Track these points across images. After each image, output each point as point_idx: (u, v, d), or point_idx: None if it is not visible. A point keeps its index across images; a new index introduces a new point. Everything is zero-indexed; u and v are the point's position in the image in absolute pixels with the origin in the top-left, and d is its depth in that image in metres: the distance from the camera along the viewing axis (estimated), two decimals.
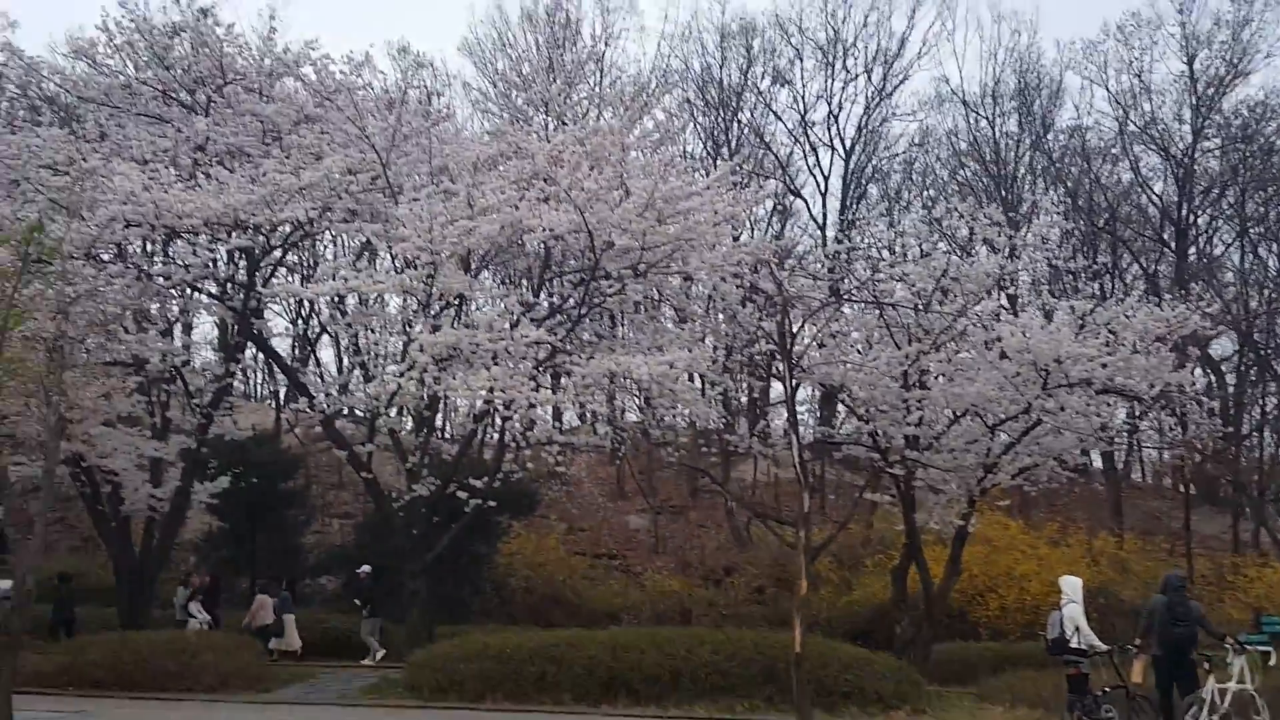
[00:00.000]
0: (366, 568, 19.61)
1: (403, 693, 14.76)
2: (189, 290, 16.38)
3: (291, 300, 22.35)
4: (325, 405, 17.59)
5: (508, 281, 16.42)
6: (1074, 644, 10.91)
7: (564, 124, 19.68)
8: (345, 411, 19.21)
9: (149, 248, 17.48)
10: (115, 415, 17.54)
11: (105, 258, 15.47)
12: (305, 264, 20.92)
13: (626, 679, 13.82)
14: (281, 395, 28.37)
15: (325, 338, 27.66)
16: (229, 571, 23.63)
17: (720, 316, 16.42)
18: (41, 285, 10.29)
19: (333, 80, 16.82)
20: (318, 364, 26.22)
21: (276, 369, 24.29)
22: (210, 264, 16.06)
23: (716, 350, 15.33)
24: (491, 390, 12.93)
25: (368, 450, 18.22)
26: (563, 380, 14.05)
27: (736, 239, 15.90)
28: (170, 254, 15.29)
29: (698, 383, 16.99)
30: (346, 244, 23.66)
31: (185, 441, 18.69)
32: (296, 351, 27.41)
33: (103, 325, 14.70)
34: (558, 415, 20.96)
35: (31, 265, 9.35)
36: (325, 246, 22.58)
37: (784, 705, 13.07)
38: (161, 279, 15.42)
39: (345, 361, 25.71)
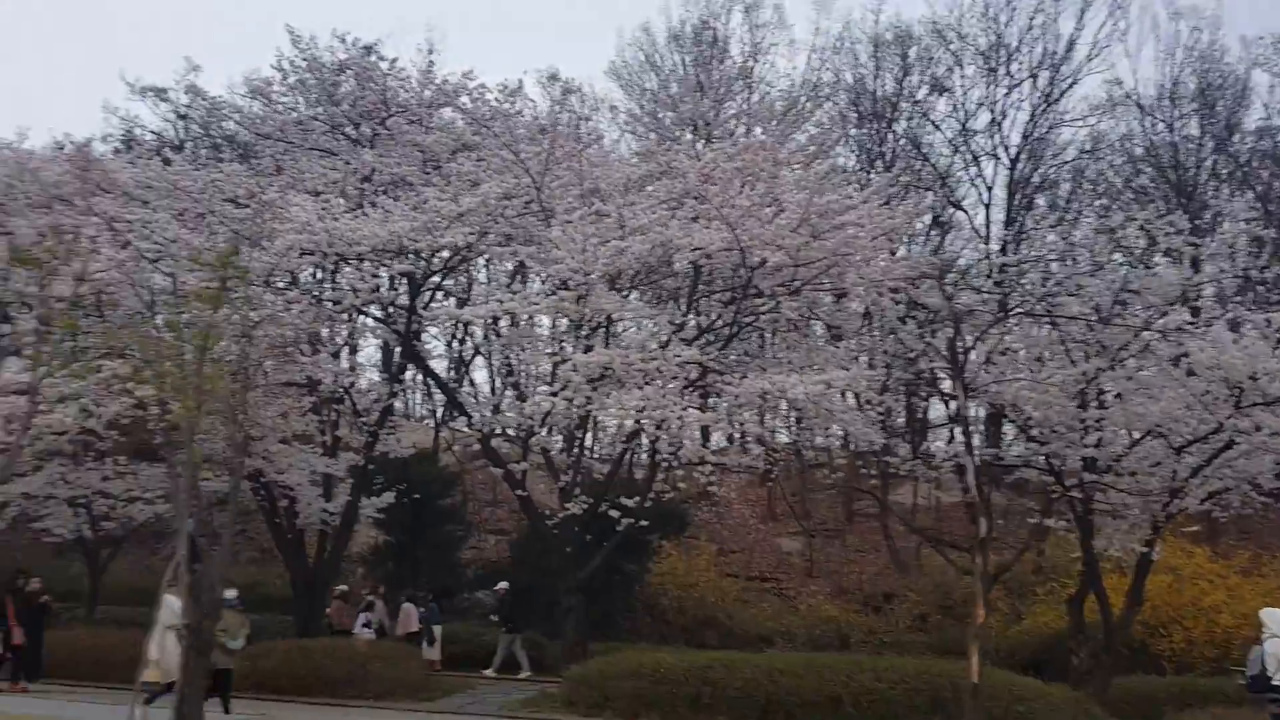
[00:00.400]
0: (504, 584, 20.10)
1: (560, 707, 14.96)
2: (357, 314, 17.13)
3: (448, 323, 23.10)
4: (482, 424, 18.03)
5: (657, 301, 16.44)
6: (1276, 681, 10.06)
7: (711, 141, 19.62)
8: (499, 431, 19.68)
9: (318, 275, 18.39)
10: (291, 433, 18.50)
11: (281, 285, 16.33)
12: (461, 287, 21.59)
13: (784, 703, 13.63)
14: (439, 415, 29.31)
15: (479, 359, 28.58)
16: (393, 584, 24.61)
17: (877, 334, 15.94)
18: (228, 310, 10.87)
19: (488, 108, 17.33)
20: (472, 384, 27.00)
21: (435, 389, 25.12)
22: (376, 289, 16.73)
23: (874, 368, 14.86)
24: (643, 410, 12.92)
25: (522, 469, 18.58)
26: (711, 400, 13.88)
27: (894, 253, 15.43)
28: (339, 280, 16.01)
29: (851, 401, 16.57)
30: (497, 268, 24.25)
31: (354, 459, 19.58)
32: (453, 372, 28.33)
33: (281, 348, 15.50)
34: (706, 436, 20.79)
35: (224, 291, 9.89)
36: (479, 270, 23.21)
37: None
38: (332, 304, 16.15)
39: (498, 382, 26.43)
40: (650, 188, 15.29)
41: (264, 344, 14.97)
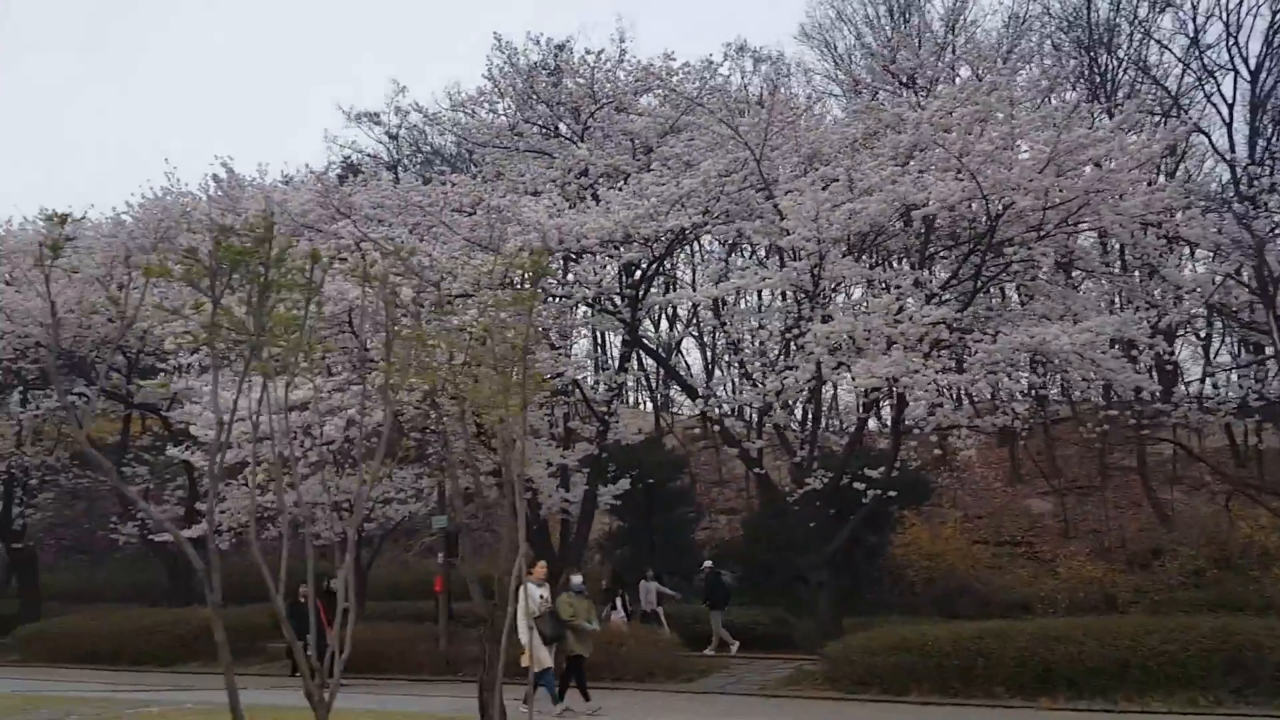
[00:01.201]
0: (709, 563, 20.11)
1: (822, 684, 14.70)
2: (588, 306, 17.44)
3: (660, 307, 23.21)
4: (713, 406, 18.00)
5: (884, 263, 15.84)
6: None
7: (919, 89, 18.69)
8: (730, 410, 19.61)
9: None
10: (529, 428, 19.14)
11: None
12: (677, 270, 21.67)
13: (1064, 672, 12.86)
14: (658, 399, 29.58)
15: (690, 340, 28.68)
16: (629, 568, 25.15)
17: (1137, 274, 14.74)
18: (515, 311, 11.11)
19: (694, 86, 17.19)
20: (687, 367, 27.11)
21: (651, 375, 25.37)
22: (602, 281, 16.96)
23: (1139, 311, 13.73)
24: (895, 378, 12.43)
25: (757, 446, 18.43)
26: (966, 360, 13.19)
27: (1150, 184, 14.17)
28: (570, 274, 16.32)
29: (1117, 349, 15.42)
30: (710, 248, 24.10)
31: (588, 449, 20.03)
32: (668, 356, 28.53)
33: (524, 347, 15.92)
34: (961, 399, 19.94)
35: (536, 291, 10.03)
36: (694, 252, 23.21)
37: (1256, 698, 11.55)
38: (563, 299, 16.49)
39: (723, 361, 26.43)
40: (873, 146, 14.69)
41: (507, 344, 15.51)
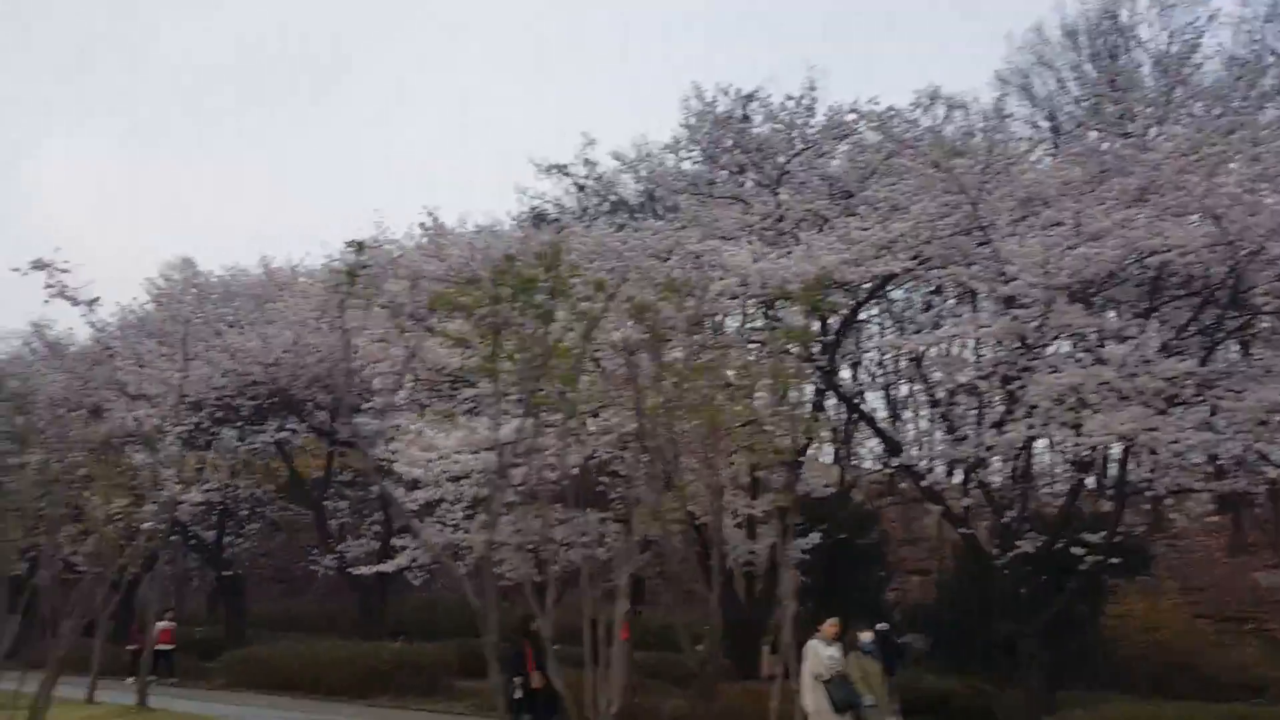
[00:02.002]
0: (882, 625, 19.08)
1: None
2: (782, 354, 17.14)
3: (850, 356, 22.58)
4: (916, 460, 17.29)
5: (1119, 311, 14.88)
6: None
7: (1143, 133, 17.63)
8: (930, 466, 18.80)
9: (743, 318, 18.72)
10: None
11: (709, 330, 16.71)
12: (883, 318, 21.11)
13: None
14: (845, 451, 28.80)
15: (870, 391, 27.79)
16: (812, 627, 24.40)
17: None
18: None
19: (897, 130, 16.80)
20: (894, 417, 26.30)
21: (842, 426, 24.72)
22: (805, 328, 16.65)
23: None
24: (1133, 436, 11.54)
25: (963, 505, 17.54)
26: (1212, 417, 12.14)
27: None
28: (764, 321, 16.12)
29: None
30: (894, 296, 23.42)
31: (775, 499, 19.60)
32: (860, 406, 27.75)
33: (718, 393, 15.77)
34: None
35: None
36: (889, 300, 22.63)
37: None
38: (760, 344, 16.26)
39: (896, 413, 25.53)
40: (1100, 188, 13.88)
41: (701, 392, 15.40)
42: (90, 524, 7.97)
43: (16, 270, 16.04)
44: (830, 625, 11.39)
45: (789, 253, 15.64)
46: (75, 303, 13.64)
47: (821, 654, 10.85)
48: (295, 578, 35.84)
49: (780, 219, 17.69)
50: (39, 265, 13.17)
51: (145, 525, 12.98)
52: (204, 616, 34.95)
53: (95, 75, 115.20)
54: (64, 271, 13.42)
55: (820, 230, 16.87)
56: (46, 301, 13.13)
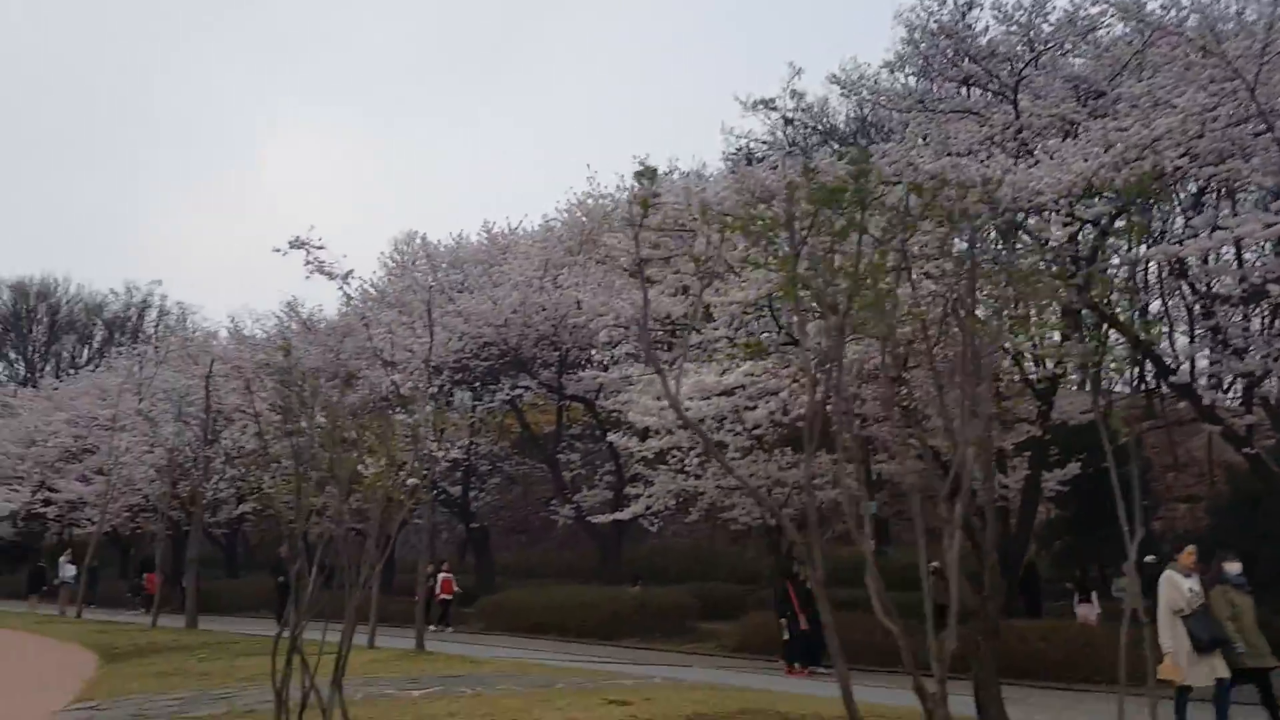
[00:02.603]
0: (1151, 557, 17.47)
1: None
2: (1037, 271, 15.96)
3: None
4: (1187, 379, 15.73)
5: None
6: None
7: None
8: (1200, 385, 17.10)
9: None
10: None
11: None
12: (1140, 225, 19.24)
13: None
14: (1101, 374, 26.82)
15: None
16: (1068, 562, 23.04)
17: None
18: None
19: (1152, 18, 15.05)
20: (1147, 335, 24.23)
21: (1103, 346, 22.86)
22: (1046, 241, 15.39)
23: None
24: None
25: (1245, 424, 15.88)
26: None
27: None
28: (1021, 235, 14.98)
29: None
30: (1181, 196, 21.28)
31: (1030, 430, 18.46)
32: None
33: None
34: None
35: None
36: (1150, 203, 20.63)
37: None
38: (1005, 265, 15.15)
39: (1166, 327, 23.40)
40: None
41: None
42: (359, 484, 8.37)
43: (278, 251, 17.35)
44: (1187, 554, 9.99)
45: (1036, 163, 14.41)
46: (331, 276, 14.38)
47: (1181, 586, 9.58)
48: (533, 528, 37.42)
49: (1020, 130, 16.37)
50: (297, 244, 13.99)
51: (409, 483, 13.52)
52: (455, 567, 37.14)
53: (310, 64, 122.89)
54: (319, 249, 14.15)
55: (1068, 137, 15.46)
56: (307, 277, 13.88)
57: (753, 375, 16.14)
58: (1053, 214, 14.11)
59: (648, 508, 23.07)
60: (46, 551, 42.24)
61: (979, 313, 9.74)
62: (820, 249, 5.33)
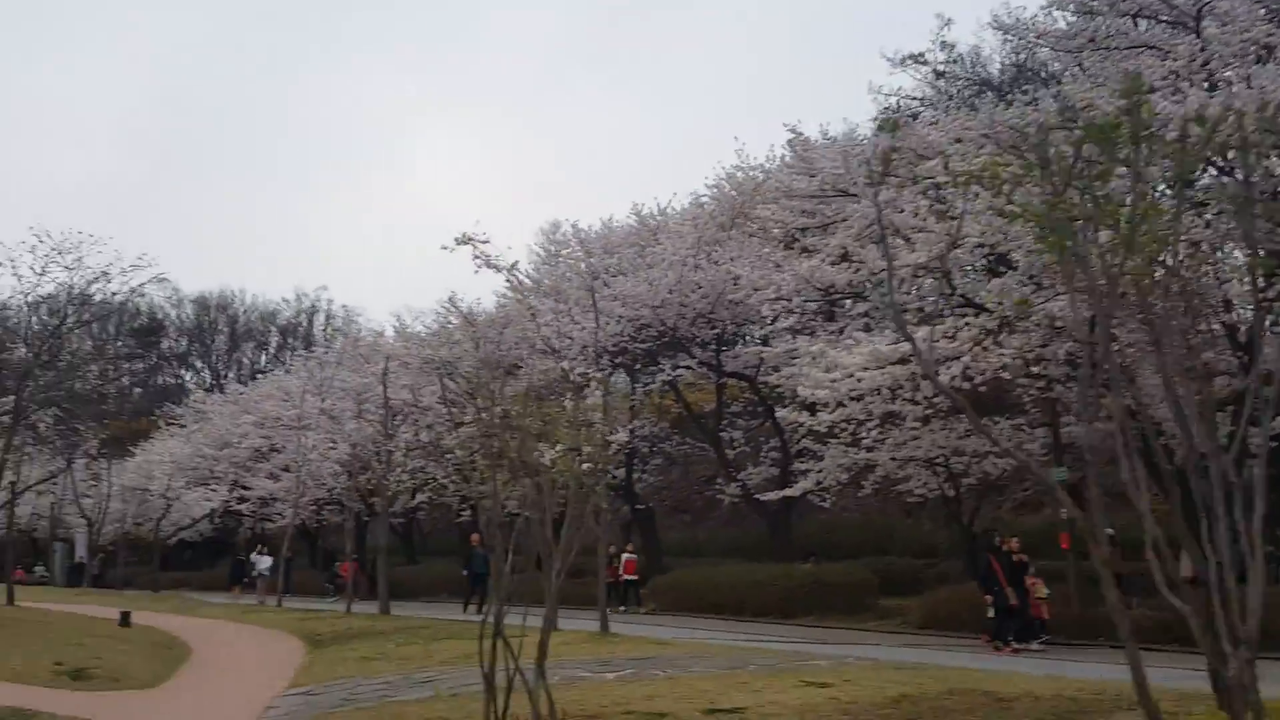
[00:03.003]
0: None
1: None
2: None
3: None
4: None
5: None
6: None
7: None
8: None
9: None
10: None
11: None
12: None
13: None
14: None
15: None
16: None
17: None
18: None
19: None
20: None
21: None
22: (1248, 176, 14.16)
23: None
24: None
25: None
26: None
27: None
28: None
29: None
30: None
31: (1227, 383, 17.19)
32: None
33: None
34: None
35: None
36: None
37: None
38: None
39: None
40: None
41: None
42: (532, 470, 8.45)
43: (445, 249, 17.91)
44: None
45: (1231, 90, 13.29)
46: (498, 269, 14.60)
47: None
48: (695, 508, 37.47)
49: (1207, 61, 15.13)
50: (464, 240, 14.30)
51: (584, 467, 13.61)
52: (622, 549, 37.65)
53: (447, 67, 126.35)
54: (484, 243, 14.40)
55: (1264, 61, 14.19)
56: (476, 271, 14.15)
57: (932, 341, 15.52)
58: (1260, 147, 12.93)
59: (818, 483, 22.68)
60: (242, 545, 45.21)
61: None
62: (1083, 191, 4.92)
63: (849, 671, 11.37)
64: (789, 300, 19.46)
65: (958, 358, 15.90)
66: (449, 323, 31.86)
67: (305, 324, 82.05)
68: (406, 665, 13.80)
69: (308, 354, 43.61)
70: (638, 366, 25.96)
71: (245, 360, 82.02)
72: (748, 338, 26.76)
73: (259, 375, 57.21)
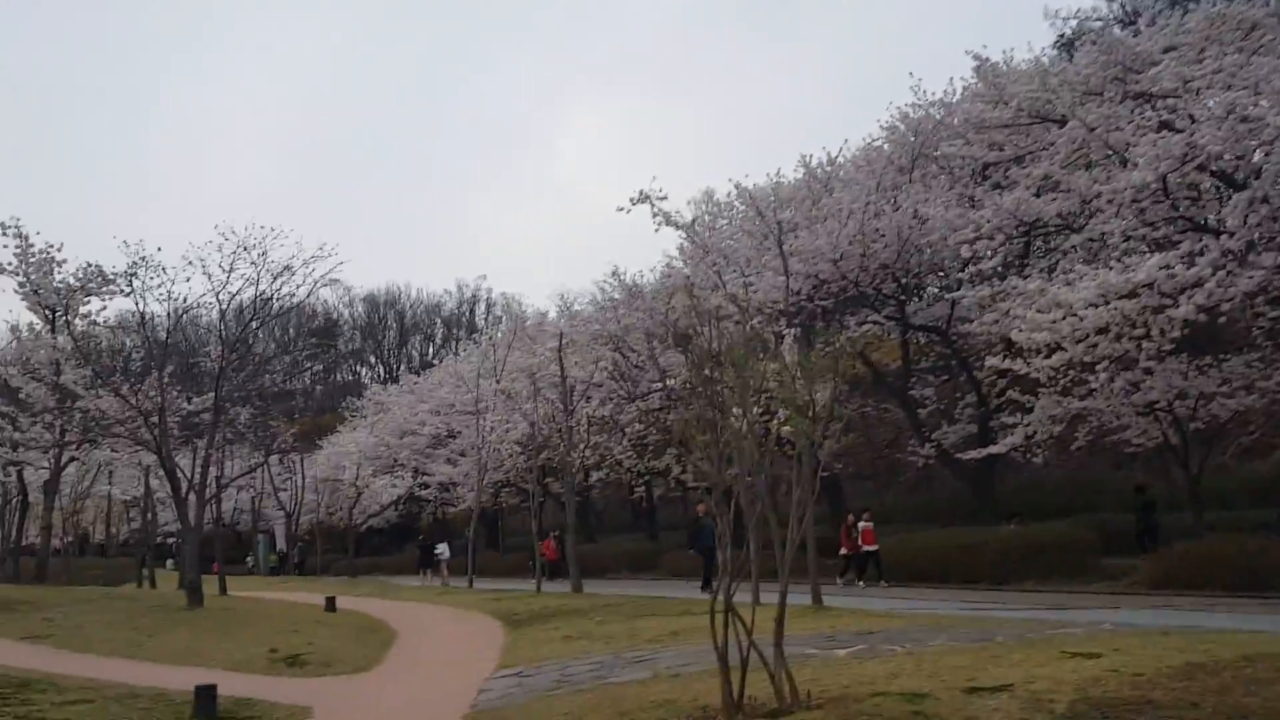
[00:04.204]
0: None
1: None
2: None
3: None
4: None
5: None
6: None
7: None
8: None
9: None
10: None
11: None
12: None
13: None
14: None
15: None
16: None
17: None
18: None
19: None
20: None
21: None
22: None
23: None
24: None
25: None
26: None
27: None
28: None
29: None
30: None
31: None
32: None
33: None
34: None
35: None
36: None
37: None
38: None
39: None
40: None
41: None
42: (728, 435, 7.61)
43: (621, 210, 17.09)
44: None
45: None
46: (677, 226, 13.74)
47: None
48: (879, 472, 35.84)
49: None
50: (641, 199, 13.50)
51: (784, 430, 12.62)
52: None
53: (586, 49, 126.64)
54: (662, 199, 13.56)
55: None
56: (656, 230, 13.35)
57: (1167, 268, 13.72)
58: None
59: (1027, 437, 20.92)
60: (425, 530, 46.47)
61: None
62: None
63: (1112, 639, 9.99)
64: (990, 239, 17.79)
65: (1199, 284, 13.99)
66: (612, 298, 31.41)
67: (467, 314, 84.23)
68: (614, 644, 13.20)
69: (478, 338, 44.32)
70: (819, 325, 24.68)
71: (414, 353, 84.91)
72: (931, 289, 25.09)
73: (427, 368, 58.76)
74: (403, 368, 77.50)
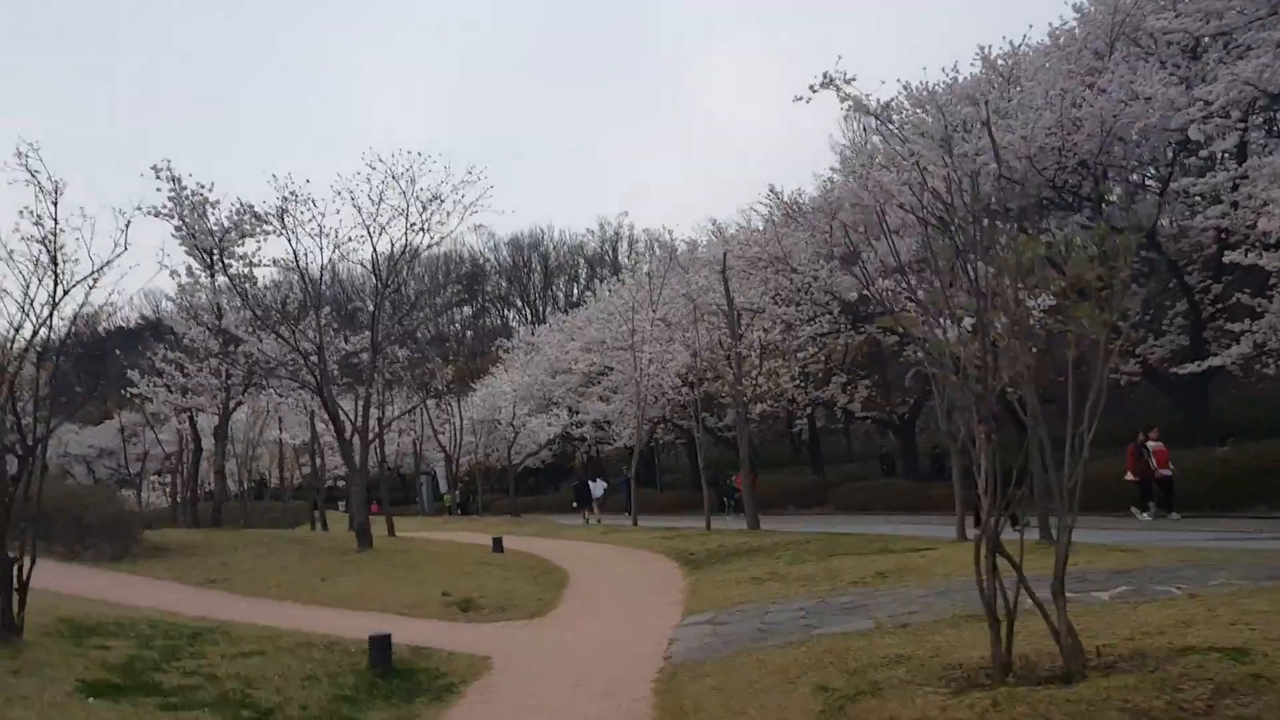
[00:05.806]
0: None
1: None
2: None
3: None
4: None
5: None
6: None
7: None
8: None
9: None
10: None
11: None
12: None
13: None
14: None
15: None
16: None
17: None
18: None
19: None
20: None
21: None
22: None
23: None
24: None
25: None
26: None
27: None
28: None
29: None
30: None
31: None
32: None
33: None
34: None
35: None
36: None
37: None
38: None
39: None
40: None
41: None
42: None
43: (799, 99, 15.27)
44: None
45: None
46: (868, 112, 12.02)
47: None
48: (1060, 396, 33.09)
49: None
50: (826, 83, 11.86)
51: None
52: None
53: None
54: (850, 81, 11.84)
55: None
56: (845, 116, 11.65)
57: None
58: None
59: (1256, 344, 18.31)
60: (579, 469, 46.18)
61: None
62: None
63: None
64: (1225, 116, 15.20)
65: None
66: (771, 220, 29.65)
67: (610, 252, 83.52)
68: (812, 587, 11.86)
69: (623, 275, 43.22)
70: (1008, 229, 22.35)
71: (559, 294, 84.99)
72: (1134, 184, 22.30)
73: (574, 308, 58.31)
74: (549, 309, 77.63)
